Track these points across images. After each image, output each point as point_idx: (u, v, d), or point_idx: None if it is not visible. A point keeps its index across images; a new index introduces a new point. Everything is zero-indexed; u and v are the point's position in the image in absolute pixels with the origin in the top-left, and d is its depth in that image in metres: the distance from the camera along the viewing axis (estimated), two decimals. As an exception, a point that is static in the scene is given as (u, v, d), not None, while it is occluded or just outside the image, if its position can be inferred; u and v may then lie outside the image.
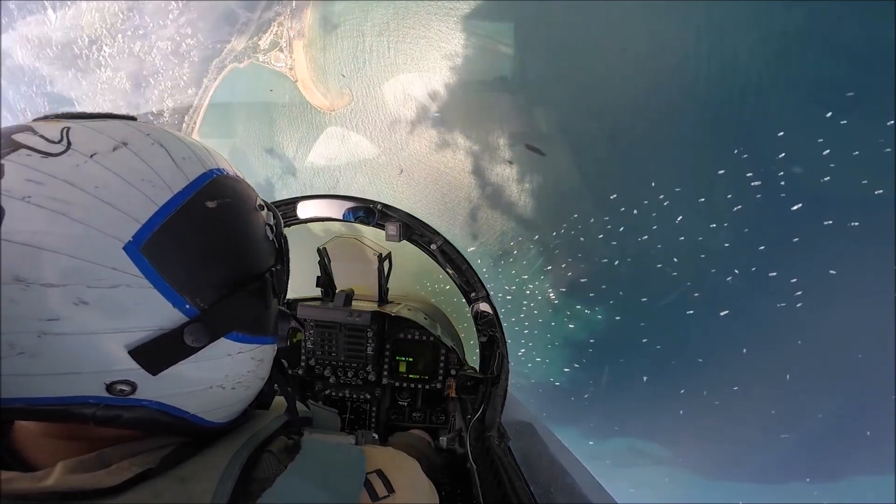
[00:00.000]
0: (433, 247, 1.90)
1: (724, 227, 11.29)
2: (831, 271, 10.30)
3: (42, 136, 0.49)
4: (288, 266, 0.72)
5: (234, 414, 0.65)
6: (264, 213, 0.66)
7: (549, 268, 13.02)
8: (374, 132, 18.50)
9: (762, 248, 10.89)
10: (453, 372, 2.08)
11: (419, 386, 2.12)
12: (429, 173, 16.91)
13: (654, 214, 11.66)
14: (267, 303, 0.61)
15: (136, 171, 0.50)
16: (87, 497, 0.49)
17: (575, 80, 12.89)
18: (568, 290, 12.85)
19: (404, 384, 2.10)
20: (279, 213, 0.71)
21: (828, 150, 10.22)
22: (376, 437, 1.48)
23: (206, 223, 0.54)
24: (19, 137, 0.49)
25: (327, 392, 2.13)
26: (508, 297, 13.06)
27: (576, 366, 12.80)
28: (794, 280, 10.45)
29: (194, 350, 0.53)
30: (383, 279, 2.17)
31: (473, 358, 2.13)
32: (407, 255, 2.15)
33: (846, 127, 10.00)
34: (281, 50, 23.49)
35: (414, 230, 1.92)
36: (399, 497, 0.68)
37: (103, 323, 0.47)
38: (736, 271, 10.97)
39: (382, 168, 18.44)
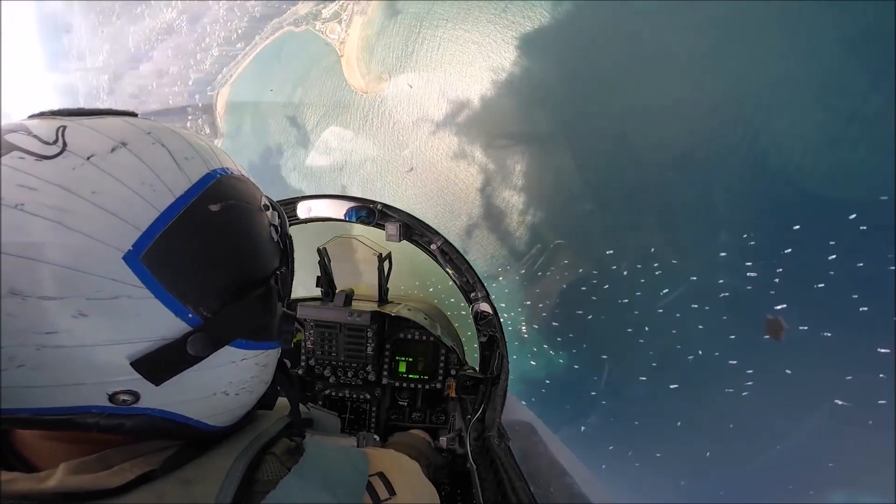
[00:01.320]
0: (433, 247, 1.92)
1: (703, 310, 11.56)
2: (787, 370, 10.72)
3: (36, 137, 0.48)
4: (293, 267, 0.71)
5: (236, 418, 0.65)
6: (269, 213, 0.65)
7: (528, 302, 13.28)
8: (398, 124, 19.07)
9: (732, 337, 11.27)
10: (453, 372, 2.10)
11: (419, 386, 2.12)
12: (437, 179, 17.43)
13: (642, 280, 11.94)
14: (272, 309, 0.61)
15: (135, 174, 0.50)
16: (89, 498, 0.49)
17: (615, 125, 13.00)
18: (539, 328, 13.13)
19: (404, 384, 2.12)
20: (284, 213, 0.70)
21: (834, 256, 10.51)
22: (377, 438, 1.52)
23: (209, 228, 0.53)
24: (12, 138, 0.48)
25: (327, 392, 2.14)
26: (481, 320, 14.03)
27: (523, 403, 13.37)
28: (750, 371, 10.88)
29: (198, 359, 0.53)
30: (383, 279, 2.19)
31: (474, 355, 2.18)
32: (407, 255, 2.20)
33: (863, 233, 10.31)
34: (339, 22, 24.47)
35: (414, 230, 1.95)
36: (400, 499, 0.69)
37: (104, 335, 0.47)
38: (700, 352, 11.35)
39: (393, 162, 18.96)
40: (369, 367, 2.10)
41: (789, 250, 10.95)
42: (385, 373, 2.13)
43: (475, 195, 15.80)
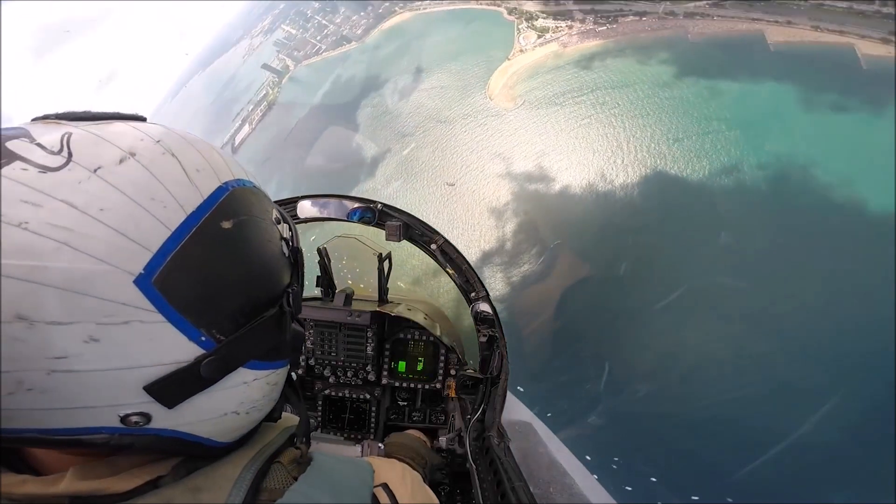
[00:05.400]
0: (433, 247, 2.02)
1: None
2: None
3: (39, 145, 0.48)
4: (303, 282, 0.72)
5: (243, 433, 0.68)
6: (280, 226, 0.67)
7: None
8: (481, 143, 19.19)
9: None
10: (453, 372, 2.20)
11: (419, 386, 2.23)
12: (465, 212, 17.31)
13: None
14: (286, 330, 0.64)
15: (145, 189, 0.50)
16: (97, 502, 0.53)
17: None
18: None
19: (404, 384, 2.22)
20: (295, 225, 0.72)
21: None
22: (381, 447, 1.60)
23: (221, 247, 0.54)
24: (14, 146, 0.47)
25: (327, 392, 2.24)
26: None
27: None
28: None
29: (211, 382, 0.55)
30: (383, 279, 2.28)
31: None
32: (407, 255, 2.33)
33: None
34: (539, 35, 25.58)
35: (414, 230, 2.04)
36: None
37: (116, 360, 0.48)
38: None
39: (446, 168, 19.17)
40: (369, 367, 2.20)
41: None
42: (385, 373, 2.23)
43: (477, 252, 15.49)
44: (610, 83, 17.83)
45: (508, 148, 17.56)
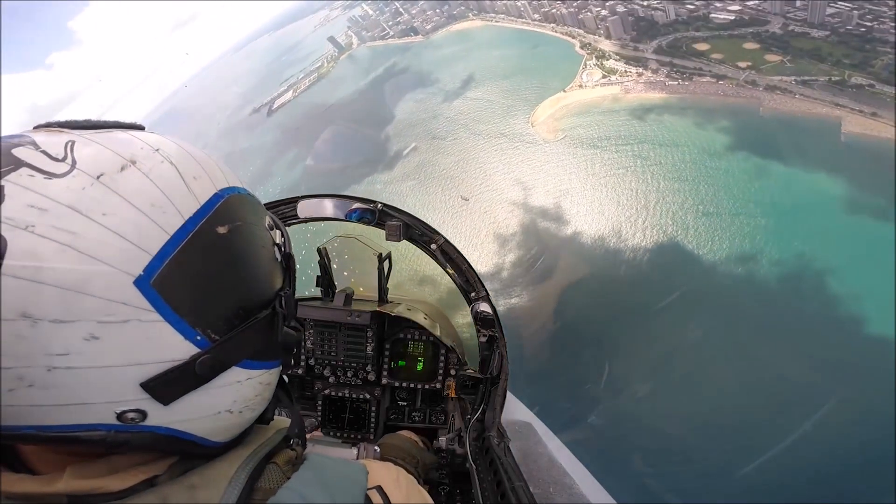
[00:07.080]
0: (433, 246, 2.08)
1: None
2: None
3: (44, 153, 0.52)
4: (294, 286, 0.78)
5: (237, 434, 0.72)
6: (273, 232, 0.73)
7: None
8: (509, 165, 19.08)
9: None
10: (453, 372, 2.25)
11: (418, 386, 2.28)
12: (471, 230, 17.21)
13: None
14: (277, 332, 0.69)
15: (145, 195, 0.54)
16: (94, 500, 0.56)
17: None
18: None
19: (404, 384, 2.27)
20: (287, 231, 0.78)
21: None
22: (377, 450, 1.62)
23: (217, 251, 0.59)
24: (20, 153, 0.51)
25: (327, 392, 2.30)
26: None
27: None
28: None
29: (205, 380, 0.59)
30: (383, 279, 2.35)
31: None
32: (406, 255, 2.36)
33: None
34: (604, 76, 25.64)
35: (414, 230, 2.10)
36: None
37: (114, 357, 0.51)
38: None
39: (464, 181, 19.14)
40: (369, 367, 2.28)
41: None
42: (385, 372, 2.29)
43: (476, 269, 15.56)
44: (659, 139, 17.62)
45: (533, 178, 17.50)
